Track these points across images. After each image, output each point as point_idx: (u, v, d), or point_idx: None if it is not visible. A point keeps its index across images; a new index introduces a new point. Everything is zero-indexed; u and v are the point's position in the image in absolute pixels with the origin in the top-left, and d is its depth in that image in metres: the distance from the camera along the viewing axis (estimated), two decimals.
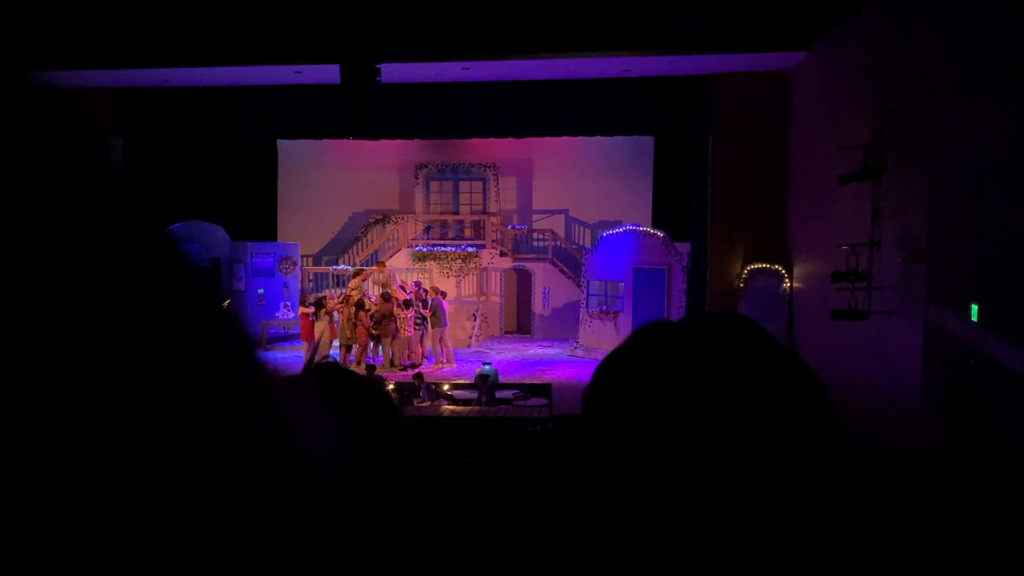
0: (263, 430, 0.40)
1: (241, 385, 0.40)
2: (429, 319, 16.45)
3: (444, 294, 17.18)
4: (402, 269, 20.48)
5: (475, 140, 20.20)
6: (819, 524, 0.75)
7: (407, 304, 16.30)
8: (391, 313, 15.92)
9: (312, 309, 15.96)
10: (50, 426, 0.32)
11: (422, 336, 16.79)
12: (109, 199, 0.36)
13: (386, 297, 16.24)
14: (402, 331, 16.19)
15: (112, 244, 0.36)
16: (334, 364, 1.13)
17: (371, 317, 15.94)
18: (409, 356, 16.33)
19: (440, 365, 16.34)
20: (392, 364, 15.98)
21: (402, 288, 17.11)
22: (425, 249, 20.86)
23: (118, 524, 0.33)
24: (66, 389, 0.32)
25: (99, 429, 0.33)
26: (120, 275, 0.35)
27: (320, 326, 15.65)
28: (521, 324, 20.99)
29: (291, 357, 16.33)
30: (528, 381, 14.65)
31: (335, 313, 16.21)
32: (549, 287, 20.47)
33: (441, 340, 16.60)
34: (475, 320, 19.22)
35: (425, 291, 17.23)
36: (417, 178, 22.14)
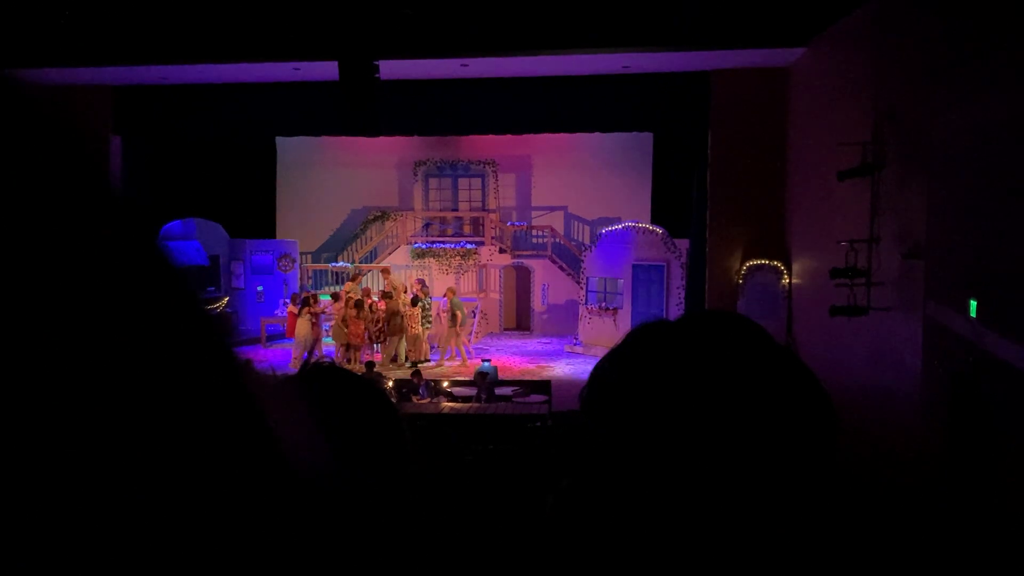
0: (240, 431, 0.40)
1: (217, 387, 0.40)
2: (457, 317, 16.41)
3: (453, 291, 17.23)
4: (401, 266, 20.49)
5: (474, 137, 20.19)
6: (818, 518, 0.75)
7: (415, 301, 16.33)
8: (398, 311, 15.95)
9: (298, 308, 16.01)
10: (24, 425, 0.31)
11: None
12: (93, 199, 0.36)
13: (387, 295, 16.25)
14: (409, 328, 16.21)
15: (92, 245, 0.35)
16: (331, 364, 1.13)
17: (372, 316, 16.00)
18: (414, 353, 16.35)
19: (463, 363, 16.28)
20: (394, 361, 15.99)
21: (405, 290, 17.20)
22: (424, 246, 20.85)
23: (96, 525, 0.33)
24: (39, 387, 0.32)
25: (73, 430, 0.33)
26: (99, 276, 0.35)
27: (303, 324, 15.65)
28: (520, 321, 21.00)
29: (286, 354, 16.36)
30: (527, 378, 14.66)
31: (322, 314, 16.26)
32: (548, 284, 20.48)
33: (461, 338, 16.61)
34: (474, 317, 19.23)
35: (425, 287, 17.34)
36: (416, 175, 22.13)
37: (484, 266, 20.67)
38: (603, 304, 17.49)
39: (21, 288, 0.32)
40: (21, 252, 0.32)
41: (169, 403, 0.36)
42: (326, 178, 21.93)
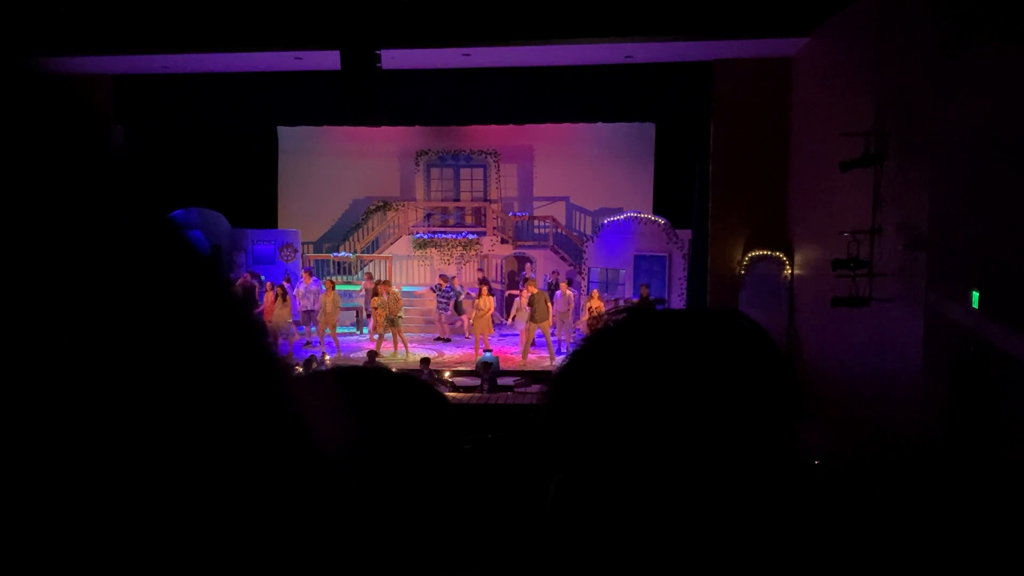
0: (273, 424, 0.39)
1: (250, 375, 0.39)
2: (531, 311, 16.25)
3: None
4: (403, 256, 20.50)
5: (476, 127, 20.12)
6: (808, 505, 0.75)
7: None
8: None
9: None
10: (48, 417, 0.31)
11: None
12: (111, 184, 0.36)
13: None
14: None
15: (115, 230, 0.35)
16: (373, 367, 1.07)
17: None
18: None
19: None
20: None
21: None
22: (426, 236, 20.84)
23: (122, 521, 0.33)
24: (64, 380, 0.32)
25: (101, 422, 0.32)
26: (124, 262, 0.35)
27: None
28: None
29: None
30: (529, 368, 14.66)
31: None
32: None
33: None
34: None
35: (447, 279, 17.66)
36: (418, 165, 22.07)
37: (486, 256, 20.66)
38: (605, 295, 17.49)
39: (43, 277, 0.31)
40: (37, 239, 0.32)
41: (194, 394, 0.35)
42: (328, 167, 21.88)
